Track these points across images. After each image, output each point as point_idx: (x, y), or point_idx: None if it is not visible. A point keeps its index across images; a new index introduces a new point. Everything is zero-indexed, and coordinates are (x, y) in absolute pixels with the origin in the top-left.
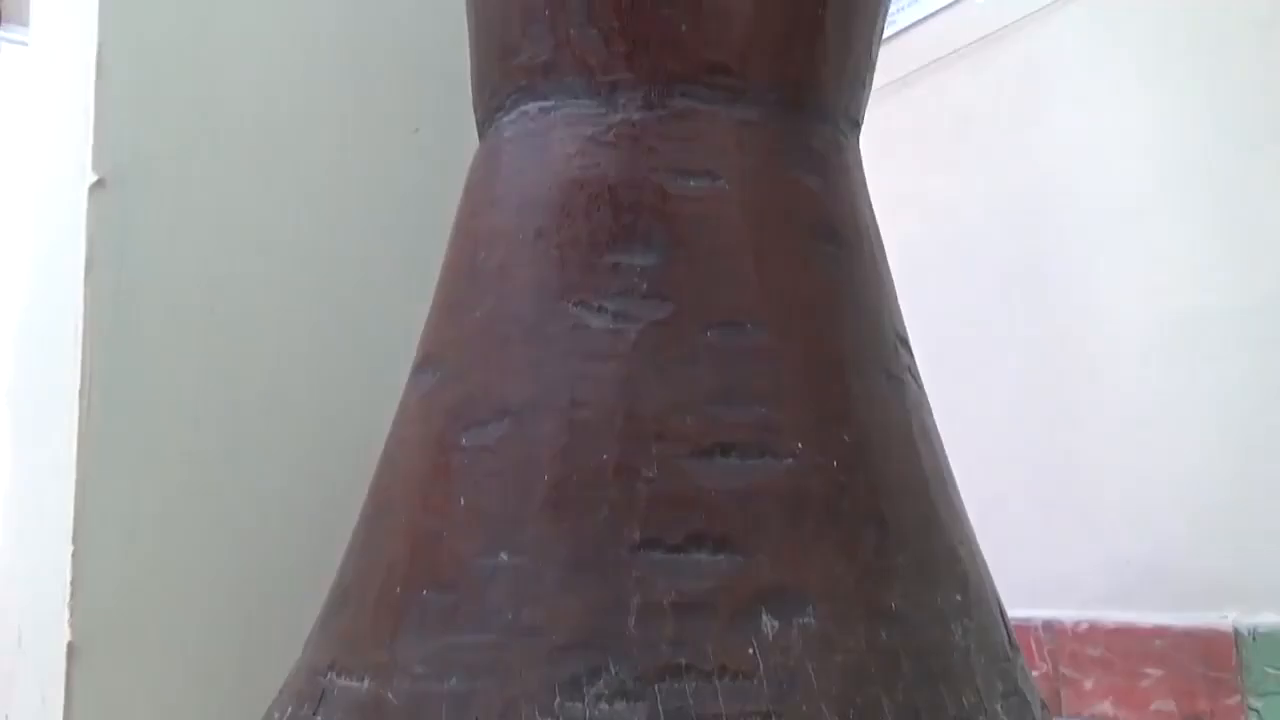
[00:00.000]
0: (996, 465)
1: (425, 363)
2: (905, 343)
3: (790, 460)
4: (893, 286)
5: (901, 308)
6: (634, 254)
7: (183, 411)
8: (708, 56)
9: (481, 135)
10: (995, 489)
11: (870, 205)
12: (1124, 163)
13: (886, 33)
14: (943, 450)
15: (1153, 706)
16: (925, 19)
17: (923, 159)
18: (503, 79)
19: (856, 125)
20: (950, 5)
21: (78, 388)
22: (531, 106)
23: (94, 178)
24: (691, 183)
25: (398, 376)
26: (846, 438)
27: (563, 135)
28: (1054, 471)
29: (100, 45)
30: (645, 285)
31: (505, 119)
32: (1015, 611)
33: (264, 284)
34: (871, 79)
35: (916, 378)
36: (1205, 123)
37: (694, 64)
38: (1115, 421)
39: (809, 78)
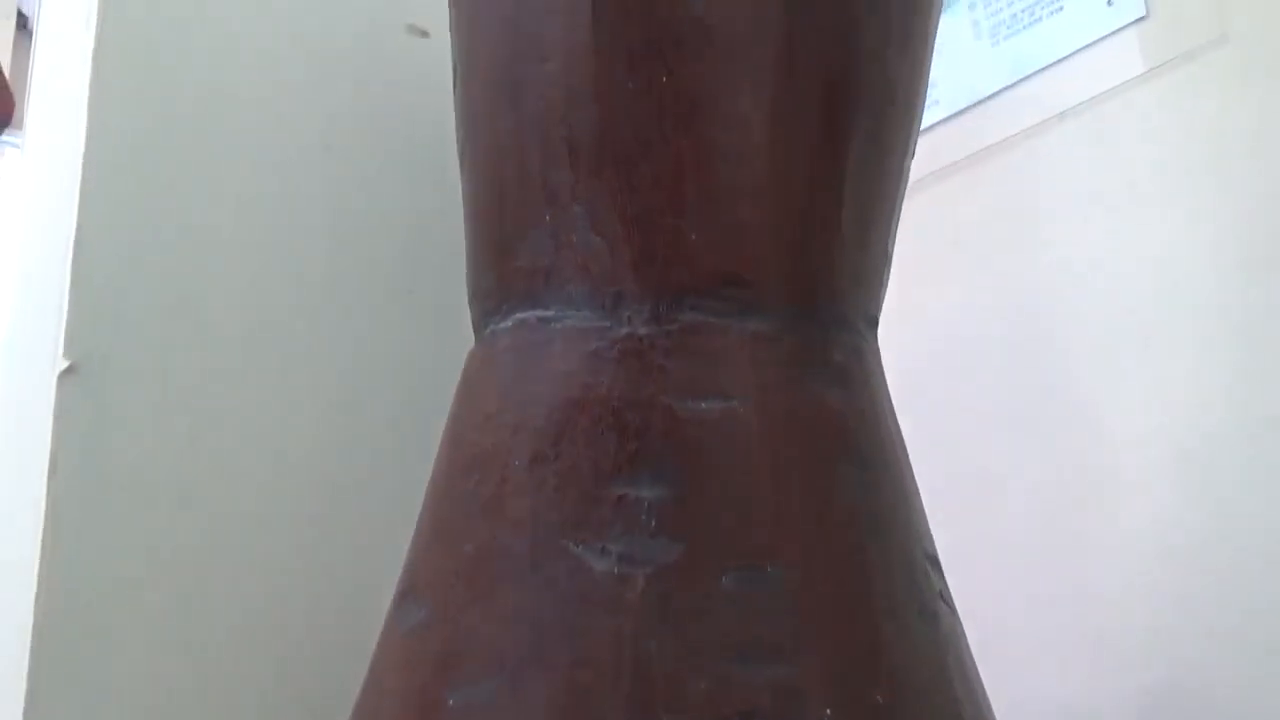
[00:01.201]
0: (1007, 594)
1: (410, 595)
2: (936, 563)
3: None
4: (920, 501)
5: (902, 431)
6: (641, 486)
7: (152, 635)
8: (719, 267)
9: (476, 333)
10: (1006, 619)
11: (894, 413)
12: (1127, 280)
13: None
14: (981, 687)
15: None
16: (919, 134)
17: (921, 273)
18: (499, 281)
19: (875, 323)
20: (944, 120)
21: (33, 602)
22: (529, 315)
23: (64, 364)
24: (704, 405)
25: (383, 598)
26: (880, 698)
27: (563, 350)
28: (1066, 599)
29: (79, 222)
30: (654, 523)
31: (501, 325)
32: None
33: (243, 490)
34: (889, 271)
35: (949, 602)
36: (1209, 240)
37: (704, 275)
38: (1129, 549)
39: (826, 283)
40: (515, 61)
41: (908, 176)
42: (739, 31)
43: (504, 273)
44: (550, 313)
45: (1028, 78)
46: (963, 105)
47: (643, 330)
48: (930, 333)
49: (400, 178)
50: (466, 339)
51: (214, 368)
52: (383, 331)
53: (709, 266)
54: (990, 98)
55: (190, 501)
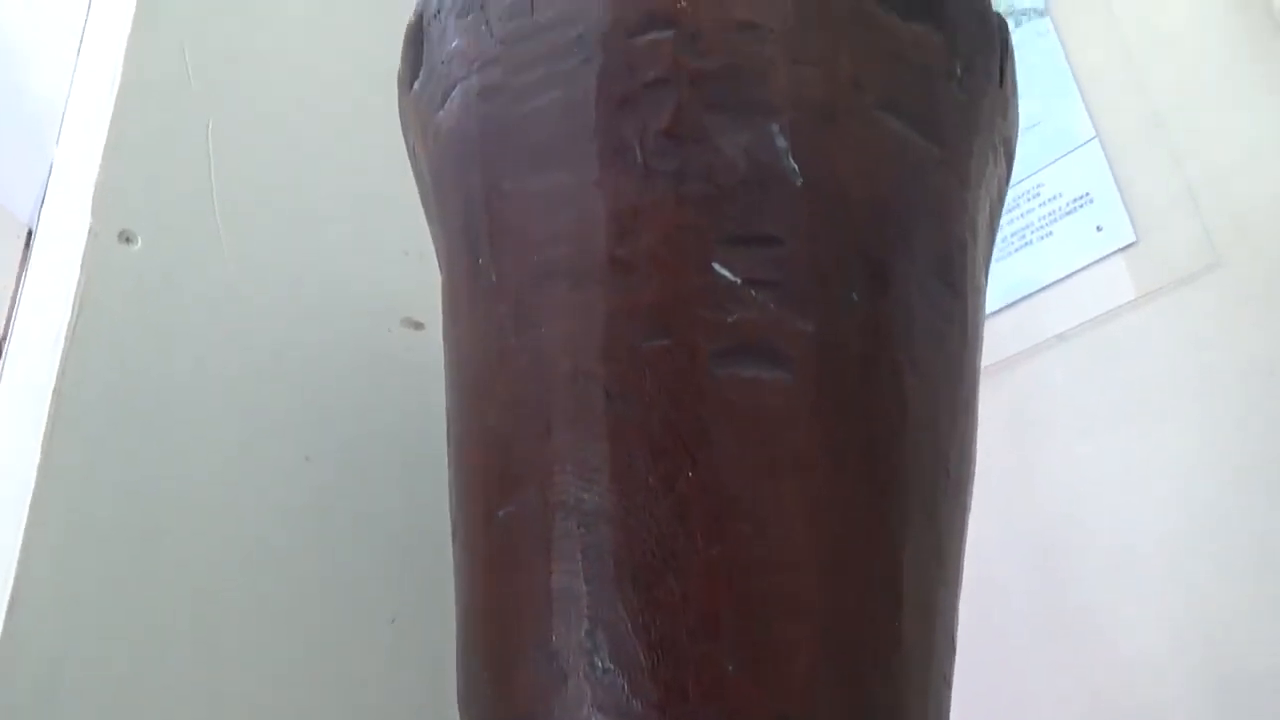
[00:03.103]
0: None
1: None
2: None
3: None
4: None
5: None
6: None
7: None
8: (764, 704)
9: None
10: None
11: None
12: (1140, 499)
13: None
14: None
15: None
16: None
17: None
18: (494, 703)
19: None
20: None
21: None
22: None
23: None
24: None
25: None
26: None
27: None
28: None
29: (18, 571)
30: None
31: None
32: None
33: None
34: (954, 661)
35: None
36: (1228, 458)
37: (747, 715)
38: None
39: (892, 709)
40: (518, 435)
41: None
42: (771, 413)
43: (498, 701)
44: None
45: (1022, 300)
46: None
47: None
48: None
49: (387, 490)
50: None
51: None
52: (363, 665)
53: (752, 703)
54: (985, 319)
55: None
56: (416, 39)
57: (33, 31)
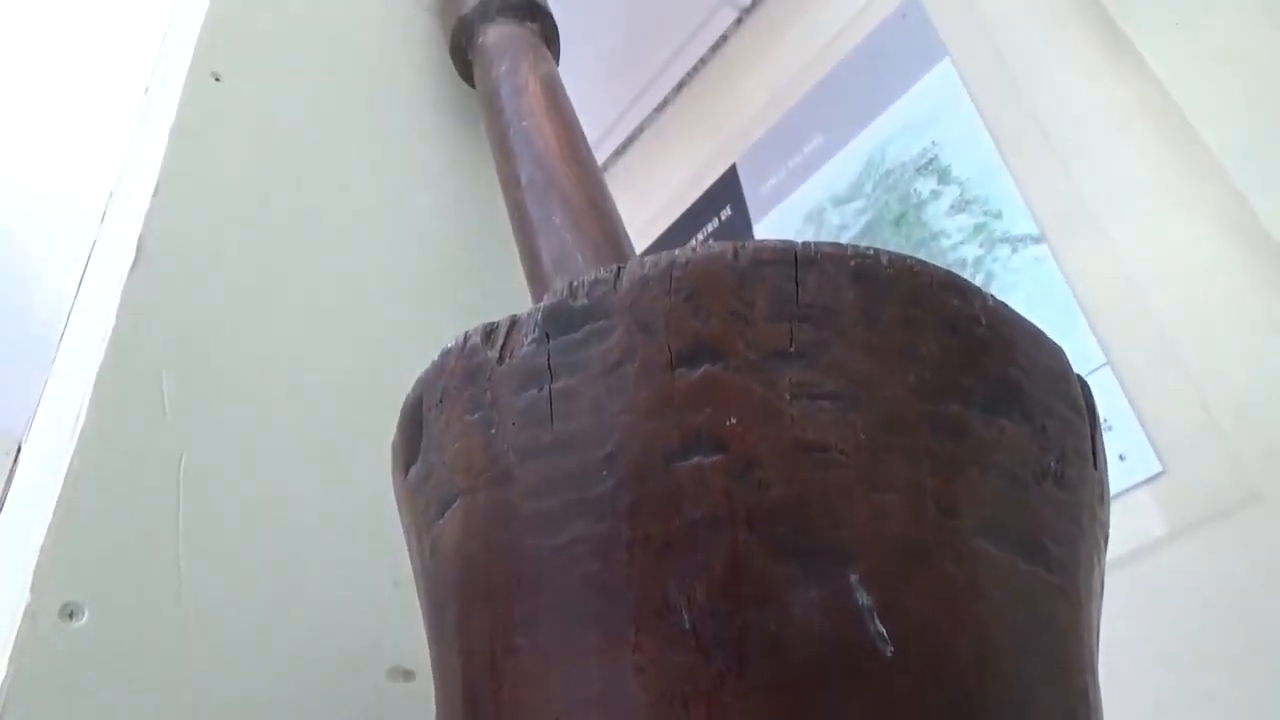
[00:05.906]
0: None
1: None
2: None
3: None
4: None
5: None
6: None
7: None
8: None
9: None
10: None
11: None
12: None
13: None
14: None
15: None
16: None
17: None
18: None
19: None
20: None
21: None
22: None
23: None
24: None
25: None
26: None
27: None
28: None
29: None
30: None
31: None
32: None
33: None
34: None
35: None
36: (1276, 709)
37: None
38: None
39: None
40: None
41: None
42: None
43: None
44: None
45: None
46: None
47: None
48: None
49: None
50: None
51: None
52: None
53: None
54: None
55: None
56: (415, 419)
57: (41, 247)
